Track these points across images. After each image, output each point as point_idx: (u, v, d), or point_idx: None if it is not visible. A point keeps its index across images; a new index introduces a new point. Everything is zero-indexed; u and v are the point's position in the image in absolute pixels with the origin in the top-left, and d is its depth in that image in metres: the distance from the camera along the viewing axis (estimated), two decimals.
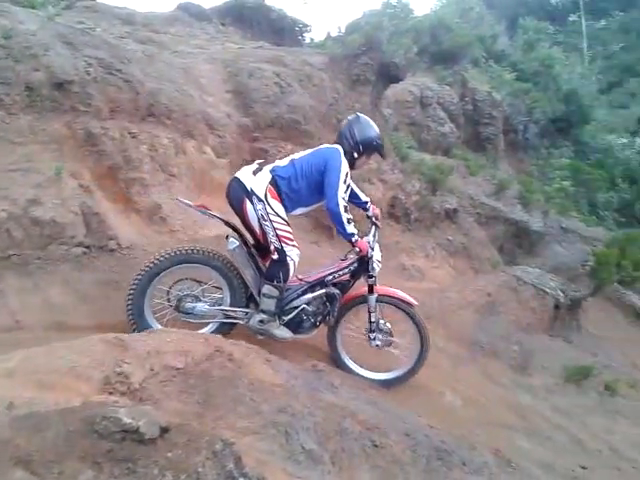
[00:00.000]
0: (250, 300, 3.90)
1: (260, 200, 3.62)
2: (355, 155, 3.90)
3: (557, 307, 6.94)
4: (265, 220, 3.63)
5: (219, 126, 6.34)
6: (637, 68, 34.25)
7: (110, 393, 2.49)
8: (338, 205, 3.61)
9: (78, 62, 5.15)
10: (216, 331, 3.83)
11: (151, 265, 3.65)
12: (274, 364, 3.44)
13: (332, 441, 2.85)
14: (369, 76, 8.34)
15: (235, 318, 3.88)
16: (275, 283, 3.70)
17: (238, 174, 3.79)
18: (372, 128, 3.98)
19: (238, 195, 3.71)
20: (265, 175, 3.71)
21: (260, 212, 3.63)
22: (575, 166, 13.94)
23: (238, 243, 3.76)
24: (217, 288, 3.91)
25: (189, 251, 3.71)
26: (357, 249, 3.81)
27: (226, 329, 3.89)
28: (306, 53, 8.89)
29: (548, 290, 6.93)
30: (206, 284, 3.88)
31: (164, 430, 2.08)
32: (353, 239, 3.77)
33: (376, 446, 3.03)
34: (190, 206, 3.90)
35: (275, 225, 3.62)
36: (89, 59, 5.26)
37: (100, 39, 5.79)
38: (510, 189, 10.71)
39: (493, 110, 12.46)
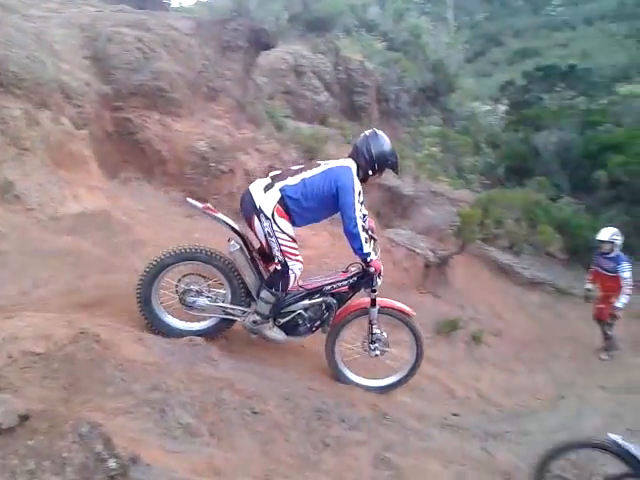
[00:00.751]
0: (252, 300, 4.03)
1: (267, 218, 3.72)
2: (370, 172, 3.96)
3: (427, 266, 7.39)
4: (271, 236, 3.76)
5: (77, 95, 5.91)
6: (500, 38, 36.70)
7: None
8: (357, 226, 3.70)
9: None
10: (215, 326, 4.06)
11: (158, 260, 3.83)
12: (147, 342, 3.42)
13: (210, 413, 2.91)
14: (240, 42, 8.17)
15: (233, 315, 4.02)
16: (274, 291, 3.87)
17: (251, 188, 3.88)
18: (388, 145, 4.00)
19: (248, 210, 3.82)
20: (274, 194, 3.76)
21: (266, 229, 3.75)
22: (443, 133, 14.67)
23: (239, 247, 3.89)
24: (222, 285, 4.05)
25: (192, 250, 3.88)
26: (372, 269, 3.90)
27: (225, 325, 4.08)
28: (172, 17, 8.49)
29: (419, 250, 7.35)
30: (211, 280, 4.04)
31: (24, 418, 2.00)
32: (368, 259, 3.86)
33: (255, 413, 3.12)
34: (198, 208, 4.00)
35: (280, 242, 3.76)
36: None
37: None
38: None
39: (366, 79, 12.71)
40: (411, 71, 14.51)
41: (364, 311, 4.20)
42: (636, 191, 12.53)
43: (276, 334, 4.07)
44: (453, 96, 17.56)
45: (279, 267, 3.83)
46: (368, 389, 4.31)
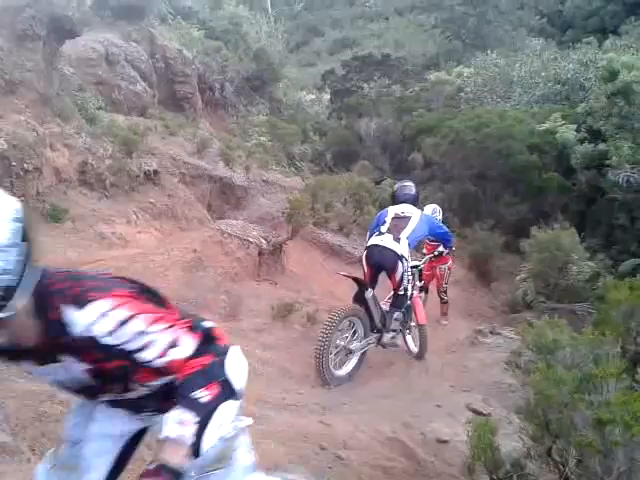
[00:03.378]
0: (374, 327, 5.04)
1: (406, 260, 4.98)
2: None
3: (261, 254, 7.40)
4: (406, 272, 5.00)
5: None
6: (320, 28, 37.82)
7: None
8: (448, 233, 5.73)
9: None
10: (359, 361, 5.00)
11: (332, 323, 4.69)
12: None
13: (30, 429, 2.77)
14: (38, 31, 7.43)
15: (371, 344, 5.07)
16: (402, 310, 5.17)
17: (382, 243, 4.99)
18: None
19: (392, 259, 4.96)
20: (405, 242, 5.00)
21: (405, 268, 4.98)
22: (271, 122, 14.88)
23: (373, 292, 4.98)
24: (352, 327, 4.96)
25: (351, 309, 4.93)
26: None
27: (364, 357, 5.06)
28: None
29: (251, 239, 7.32)
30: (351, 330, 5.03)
31: None
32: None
33: None
34: (347, 277, 5.22)
35: (409, 275, 5.05)
36: None
37: None
38: (212, 147, 10.92)
39: (186, 68, 12.41)
40: (233, 60, 14.47)
41: None
42: (446, 170, 13.76)
43: (400, 341, 5.31)
44: (279, 86, 17.83)
45: (401, 292, 5.06)
46: None
